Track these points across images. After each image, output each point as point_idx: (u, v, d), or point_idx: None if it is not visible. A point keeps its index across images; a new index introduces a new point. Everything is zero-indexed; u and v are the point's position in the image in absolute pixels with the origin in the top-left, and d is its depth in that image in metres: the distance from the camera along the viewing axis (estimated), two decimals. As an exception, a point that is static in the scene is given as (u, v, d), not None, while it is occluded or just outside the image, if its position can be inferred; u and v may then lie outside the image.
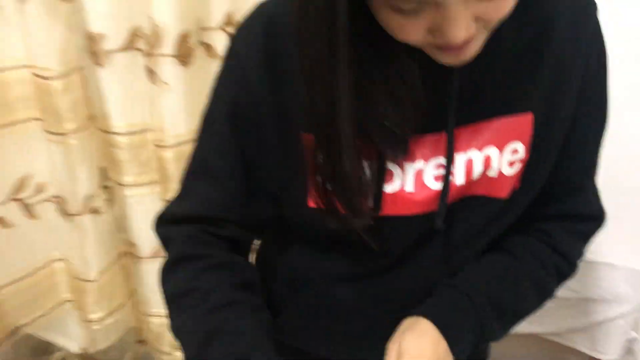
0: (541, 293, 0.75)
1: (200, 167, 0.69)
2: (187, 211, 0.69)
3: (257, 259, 0.85)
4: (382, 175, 0.62)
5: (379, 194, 0.63)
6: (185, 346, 0.65)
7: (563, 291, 1.17)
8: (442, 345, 0.64)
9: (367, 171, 0.60)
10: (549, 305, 1.22)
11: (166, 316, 0.69)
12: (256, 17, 0.63)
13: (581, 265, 1.15)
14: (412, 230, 0.66)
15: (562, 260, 0.74)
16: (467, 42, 0.52)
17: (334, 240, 0.68)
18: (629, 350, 1.24)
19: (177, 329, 0.67)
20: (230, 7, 1.06)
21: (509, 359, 1.39)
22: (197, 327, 0.64)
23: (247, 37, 0.63)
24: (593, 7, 0.64)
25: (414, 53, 0.56)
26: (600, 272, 1.15)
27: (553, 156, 0.67)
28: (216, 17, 1.09)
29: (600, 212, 0.76)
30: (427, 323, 0.65)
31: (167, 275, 0.69)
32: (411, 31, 0.51)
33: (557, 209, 0.73)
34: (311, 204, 0.64)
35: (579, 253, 0.76)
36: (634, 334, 1.18)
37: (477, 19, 0.50)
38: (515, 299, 0.71)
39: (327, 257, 0.71)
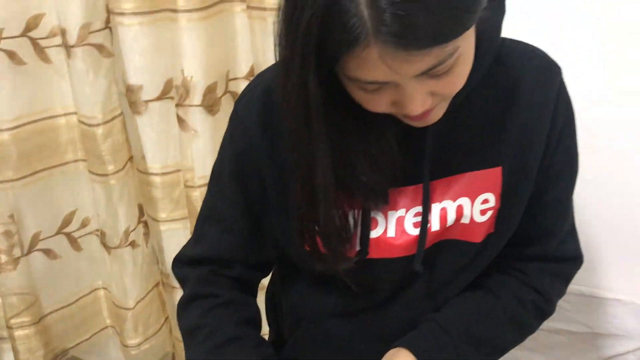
0: (519, 328, 0.79)
1: (211, 214, 0.78)
2: (199, 254, 0.78)
3: (266, 294, 0.93)
4: (368, 223, 0.69)
5: (365, 240, 0.70)
6: None
7: (574, 325, 1.21)
8: None
9: (351, 220, 0.68)
10: (561, 339, 1.26)
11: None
12: (256, 84, 0.73)
13: (591, 300, 1.19)
14: (395, 271, 0.73)
15: (540, 298, 0.78)
16: (428, 111, 0.59)
17: (329, 279, 0.75)
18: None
19: (193, 357, 0.76)
20: (254, 60, 1.16)
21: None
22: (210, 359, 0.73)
23: (248, 101, 0.72)
24: (556, 69, 0.70)
25: (390, 117, 0.63)
26: (610, 307, 1.18)
27: (523, 203, 0.73)
28: (242, 68, 1.19)
29: (576, 254, 0.81)
30: (407, 354, 0.72)
31: (182, 311, 0.78)
32: (377, 105, 0.58)
33: (533, 251, 0.78)
34: (307, 246, 0.71)
35: (557, 292, 0.80)
36: (645, 370, 1.20)
37: (433, 93, 0.57)
38: (493, 332, 0.76)
39: (323, 294, 0.78)
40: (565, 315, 1.21)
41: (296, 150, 0.61)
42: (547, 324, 1.21)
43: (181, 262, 0.81)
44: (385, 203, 0.68)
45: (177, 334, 1.46)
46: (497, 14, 0.66)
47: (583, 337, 1.21)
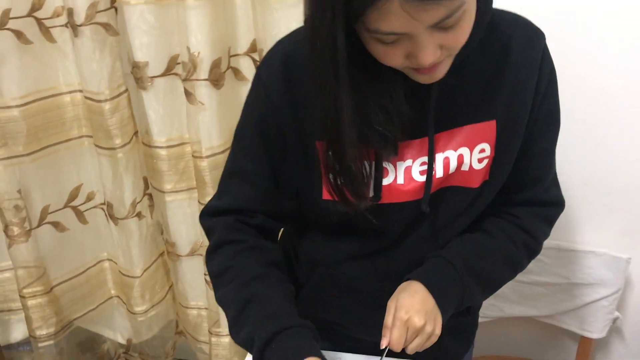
0: (512, 264, 0.88)
1: (234, 170, 0.86)
2: (224, 205, 0.86)
3: (282, 244, 1.01)
4: (380, 172, 0.78)
5: (378, 187, 0.79)
6: (227, 312, 0.82)
7: (553, 277, 1.33)
8: (430, 301, 0.80)
9: (367, 169, 0.76)
10: (542, 290, 1.38)
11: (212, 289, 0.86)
12: (277, 50, 0.81)
13: (568, 253, 1.31)
14: (405, 214, 0.82)
15: (529, 237, 0.88)
16: (436, 65, 0.68)
17: (343, 225, 0.83)
18: (613, 328, 1.38)
19: (220, 299, 0.84)
20: (255, 36, 1.23)
21: (509, 340, 1.53)
22: (235, 297, 0.81)
23: (270, 67, 0.80)
24: (540, 35, 0.80)
25: (399, 75, 0.72)
26: (585, 259, 1.29)
27: (514, 152, 0.82)
28: (243, 45, 1.25)
29: (559, 199, 0.91)
30: (418, 284, 0.81)
31: (211, 257, 0.86)
32: (393, 57, 0.66)
33: (524, 197, 0.87)
34: (325, 196, 0.80)
35: (543, 233, 0.90)
36: (617, 314, 1.32)
37: (441, 46, 0.65)
38: (490, 267, 0.85)
39: (337, 240, 0.87)
40: (545, 268, 1.33)
41: (323, 104, 0.69)
42: (528, 276, 1.34)
43: (207, 214, 0.89)
44: (395, 154, 0.77)
45: (181, 300, 1.53)
46: None
47: (561, 287, 1.33)
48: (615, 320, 1.33)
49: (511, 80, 0.79)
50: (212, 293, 1.42)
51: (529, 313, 1.39)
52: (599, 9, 1.12)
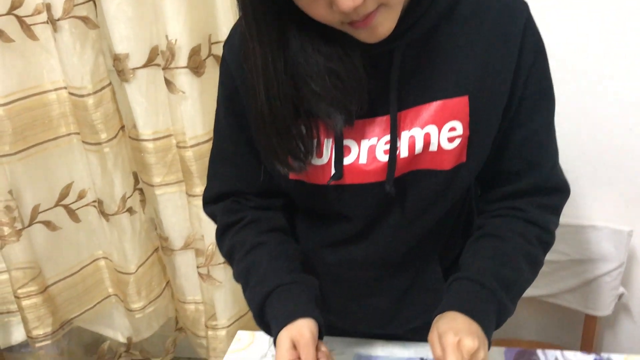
0: (532, 264, 0.80)
1: (218, 154, 0.86)
2: (216, 191, 0.87)
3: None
4: (340, 149, 0.74)
5: (339, 164, 0.74)
6: (241, 285, 0.83)
7: (554, 255, 1.29)
8: (473, 325, 0.70)
9: (329, 147, 0.73)
10: (543, 269, 1.33)
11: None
12: (236, 27, 0.80)
13: (568, 229, 1.27)
14: (369, 197, 0.77)
15: (541, 231, 0.80)
16: (371, 17, 0.62)
17: (312, 210, 0.82)
18: (619, 305, 1.34)
19: (234, 276, 0.85)
20: (234, 21, 1.21)
21: (514, 323, 1.49)
22: (241, 270, 0.82)
23: (230, 44, 0.80)
24: (522, 5, 0.73)
25: (357, 45, 0.67)
26: (585, 234, 1.25)
27: (493, 132, 0.75)
28: (224, 32, 1.24)
29: (563, 185, 0.82)
30: (455, 313, 0.71)
31: (219, 243, 0.88)
32: (317, 7, 0.62)
33: (524, 186, 0.79)
34: (292, 176, 0.77)
35: (552, 223, 0.82)
36: (622, 289, 1.27)
37: None
38: (515, 273, 0.76)
39: (314, 226, 0.85)
40: (545, 246, 1.29)
41: (248, 60, 0.68)
42: (528, 255, 1.30)
43: (206, 203, 0.90)
44: (350, 124, 0.72)
45: (179, 296, 1.52)
46: None
47: (563, 264, 1.29)
48: (620, 296, 1.28)
49: (484, 53, 0.72)
50: (206, 286, 1.41)
51: (532, 293, 1.34)
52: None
